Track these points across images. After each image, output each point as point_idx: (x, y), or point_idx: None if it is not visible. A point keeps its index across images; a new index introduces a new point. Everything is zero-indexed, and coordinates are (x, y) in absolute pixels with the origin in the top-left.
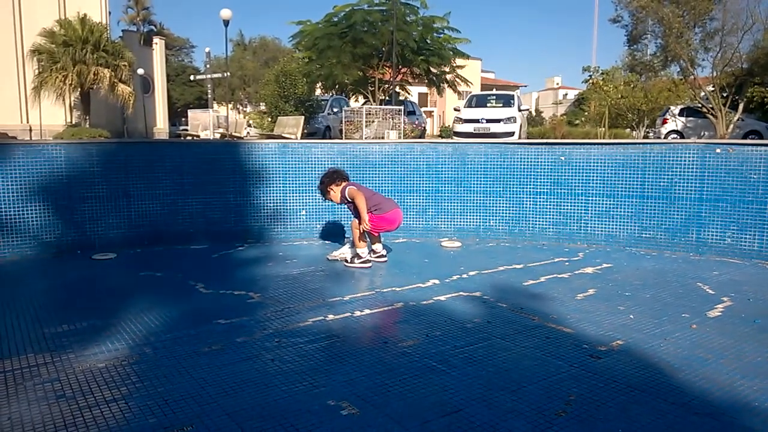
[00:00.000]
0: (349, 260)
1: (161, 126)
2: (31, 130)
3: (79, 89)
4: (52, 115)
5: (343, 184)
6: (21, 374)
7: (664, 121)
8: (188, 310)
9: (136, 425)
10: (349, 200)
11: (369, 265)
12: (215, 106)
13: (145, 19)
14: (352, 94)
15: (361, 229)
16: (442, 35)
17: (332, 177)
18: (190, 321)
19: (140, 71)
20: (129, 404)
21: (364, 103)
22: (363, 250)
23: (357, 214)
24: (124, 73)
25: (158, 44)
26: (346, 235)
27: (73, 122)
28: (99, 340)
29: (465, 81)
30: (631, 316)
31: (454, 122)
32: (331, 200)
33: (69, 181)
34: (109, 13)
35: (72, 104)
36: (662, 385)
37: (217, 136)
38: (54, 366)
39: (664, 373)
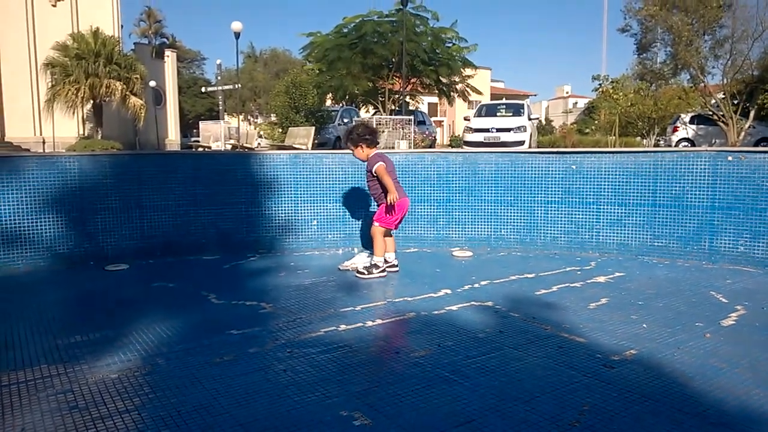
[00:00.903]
0: (363, 271)
1: (173, 137)
2: (44, 142)
3: (92, 102)
4: (65, 128)
5: (374, 150)
6: (34, 385)
7: (675, 129)
8: (200, 320)
9: None
10: (375, 174)
11: (384, 274)
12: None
13: (157, 32)
14: (362, 105)
15: (383, 223)
16: (451, 45)
17: (367, 136)
18: (202, 331)
19: (152, 83)
20: (142, 415)
21: (374, 114)
22: (380, 259)
23: (378, 193)
24: (136, 85)
25: (170, 57)
26: (357, 246)
27: (86, 134)
28: (112, 351)
29: (475, 90)
30: (644, 326)
31: (464, 132)
32: (355, 155)
33: (82, 193)
34: (122, 26)
35: (84, 116)
36: (677, 395)
37: (229, 147)
38: (67, 377)
39: (679, 383)
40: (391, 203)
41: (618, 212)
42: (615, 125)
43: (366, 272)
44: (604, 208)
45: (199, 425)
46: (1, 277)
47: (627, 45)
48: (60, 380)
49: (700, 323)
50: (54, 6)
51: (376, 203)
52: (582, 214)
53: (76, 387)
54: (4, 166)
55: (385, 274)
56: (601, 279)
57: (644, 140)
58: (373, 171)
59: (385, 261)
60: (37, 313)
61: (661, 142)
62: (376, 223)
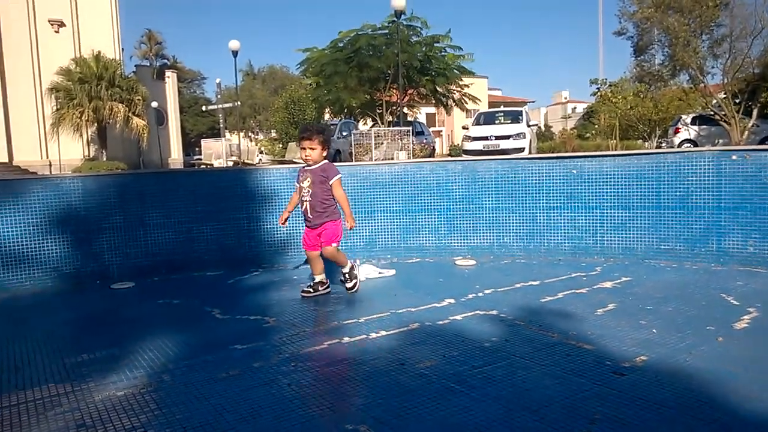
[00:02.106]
0: (347, 278)
1: (176, 156)
2: (51, 165)
3: (96, 124)
4: (70, 150)
5: (326, 156)
6: (43, 404)
7: (677, 131)
8: (205, 336)
9: None
10: (330, 185)
11: (329, 290)
12: (227, 134)
13: (158, 54)
14: (361, 118)
15: (337, 241)
16: (446, 54)
17: (325, 138)
18: (207, 347)
19: (154, 104)
20: None
21: (373, 126)
22: (348, 266)
23: (327, 206)
24: (138, 107)
25: (170, 77)
26: (360, 257)
27: (91, 156)
28: (118, 369)
29: (472, 99)
30: (654, 331)
31: (463, 140)
32: (308, 155)
33: (87, 213)
34: (122, 49)
35: (89, 139)
36: (691, 401)
37: (230, 163)
38: (74, 395)
39: (692, 389)
40: (351, 227)
41: (622, 216)
42: (615, 129)
43: (353, 280)
44: (607, 213)
45: None
46: (9, 298)
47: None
48: (68, 399)
49: (712, 327)
50: (57, 32)
51: (310, 216)
52: (585, 219)
53: (83, 405)
54: (10, 190)
55: (329, 290)
56: (608, 284)
57: (646, 143)
58: (332, 182)
59: (322, 283)
60: (45, 333)
61: (663, 144)
62: (333, 245)
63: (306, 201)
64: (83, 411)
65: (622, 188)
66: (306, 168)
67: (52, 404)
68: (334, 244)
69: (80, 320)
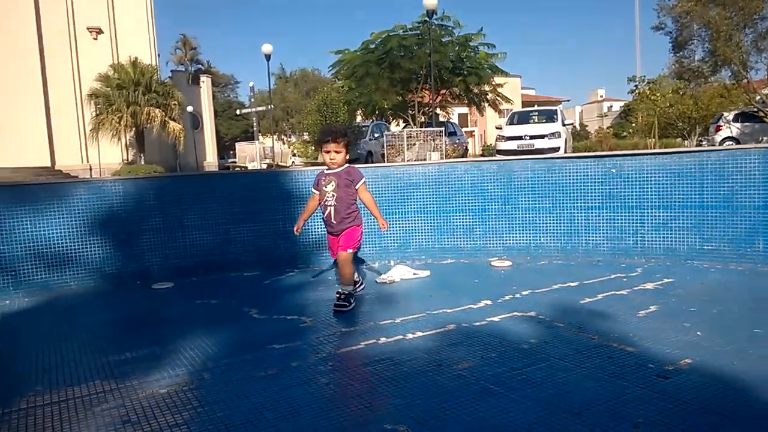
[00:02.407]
0: (344, 304)
1: (211, 159)
2: (91, 169)
3: (134, 129)
4: (109, 154)
5: (347, 158)
6: (89, 401)
7: (718, 128)
8: (243, 335)
9: None
10: (353, 189)
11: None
12: (261, 138)
13: (193, 59)
14: (392, 119)
15: (355, 247)
16: (478, 53)
17: (350, 140)
18: (245, 346)
19: (189, 109)
20: (191, 429)
21: (405, 127)
22: (351, 287)
23: (351, 211)
24: (174, 111)
25: (205, 82)
26: (394, 259)
27: (129, 160)
28: (160, 367)
29: (505, 99)
30: (699, 333)
31: (496, 140)
32: (332, 158)
33: (127, 215)
34: (158, 55)
35: (128, 143)
36: (739, 407)
37: (264, 166)
38: (119, 392)
39: (741, 394)
40: (385, 228)
41: (663, 216)
42: (654, 127)
43: (348, 304)
44: (648, 212)
45: None
46: (55, 298)
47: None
48: (113, 395)
49: (759, 330)
50: (95, 39)
51: (334, 221)
52: (625, 219)
53: (128, 402)
54: (55, 193)
55: (363, 286)
56: (649, 286)
57: (685, 141)
58: (359, 186)
59: (358, 283)
60: (90, 332)
61: (704, 143)
62: (349, 250)
63: (330, 206)
64: (128, 407)
65: (663, 187)
66: (328, 172)
67: (98, 401)
68: (350, 250)
69: (122, 319)
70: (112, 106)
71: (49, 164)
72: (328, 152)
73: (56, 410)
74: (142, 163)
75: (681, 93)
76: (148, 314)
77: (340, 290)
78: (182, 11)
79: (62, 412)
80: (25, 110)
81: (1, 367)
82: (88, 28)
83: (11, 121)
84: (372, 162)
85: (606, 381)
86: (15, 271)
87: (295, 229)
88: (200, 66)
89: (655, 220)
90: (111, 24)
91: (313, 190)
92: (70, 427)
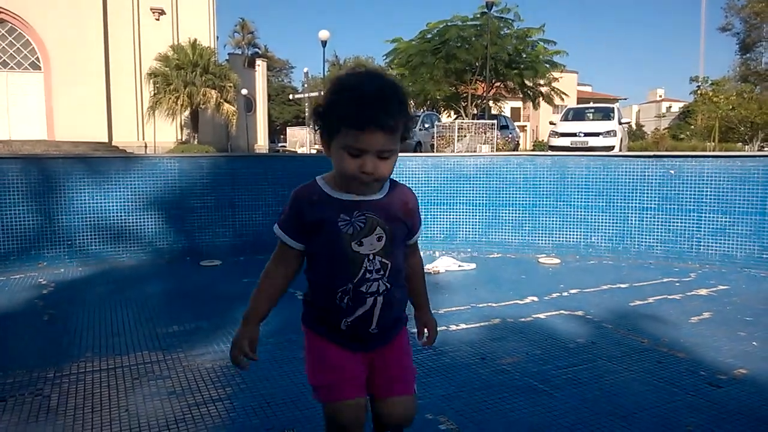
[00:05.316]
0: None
1: (261, 143)
2: (146, 146)
3: (189, 109)
4: (164, 133)
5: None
6: (138, 370)
7: None
8: (289, 316)
9: (240, 424)
10: (410, 238)
11: None
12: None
13: (250, 43)
14: (444, 110)
15: None
16: (536, 47)
17: (409, 124)
18: (291, 327)
19: (244, 91)
20: (234, 404)
21: (456, 118)
22: None
23: (404, 289)
24: (229, 93)
25: (260, 66)
26: (439, 250)
27: (183, 139)
28: (206, 341)
29: (560, 94)
30: (755, 343)
31: (549, 136)
32: (388, 167)
33: (181, 192)
34: (217, 37)
35: (182, 123)
36: None
37: (313, 152)
38: (166, 364)
39: None
40: (427, 341)
41: (721, 221)
42: (714, 130)
43: None
44: (705, 216)
45: (287, 417)
46: (110, 269)
47: (727, 45)
48: (159, 366)
49: None
50: (157, 20)
51: (378, 327)
52: (681, 222)
53: (174, 374)
54: (113, 167)
55: None
56: (703, 291)
57: (746, 146)
58: (418, 234)
59: None
60: (140, 303)
61: (766, 149)
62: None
63: (374, 294)
64: (173, 379)
65: (723, 191)
66: (355, 199)
67: (146, 370)
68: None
69: (171, 293)
70: (170, 86)
71: (106, 140)
72: (364, 151)
73: (104, 377)
74: (195, 143)
75: (745, 96)
76: (197, 290)
77: None
78: None
79: (110, 379)
80: (89, 88)
81: (55, 333)
82: (151, 9)
83: (76, 98)
84: (420, 152)
85: (655, 386)
86: (71, 241)
87: (243, 364)
88: (257, 50)
89: (713, 224)
90: (173, 5)
91: (289, 242)
92: (117, 394)
